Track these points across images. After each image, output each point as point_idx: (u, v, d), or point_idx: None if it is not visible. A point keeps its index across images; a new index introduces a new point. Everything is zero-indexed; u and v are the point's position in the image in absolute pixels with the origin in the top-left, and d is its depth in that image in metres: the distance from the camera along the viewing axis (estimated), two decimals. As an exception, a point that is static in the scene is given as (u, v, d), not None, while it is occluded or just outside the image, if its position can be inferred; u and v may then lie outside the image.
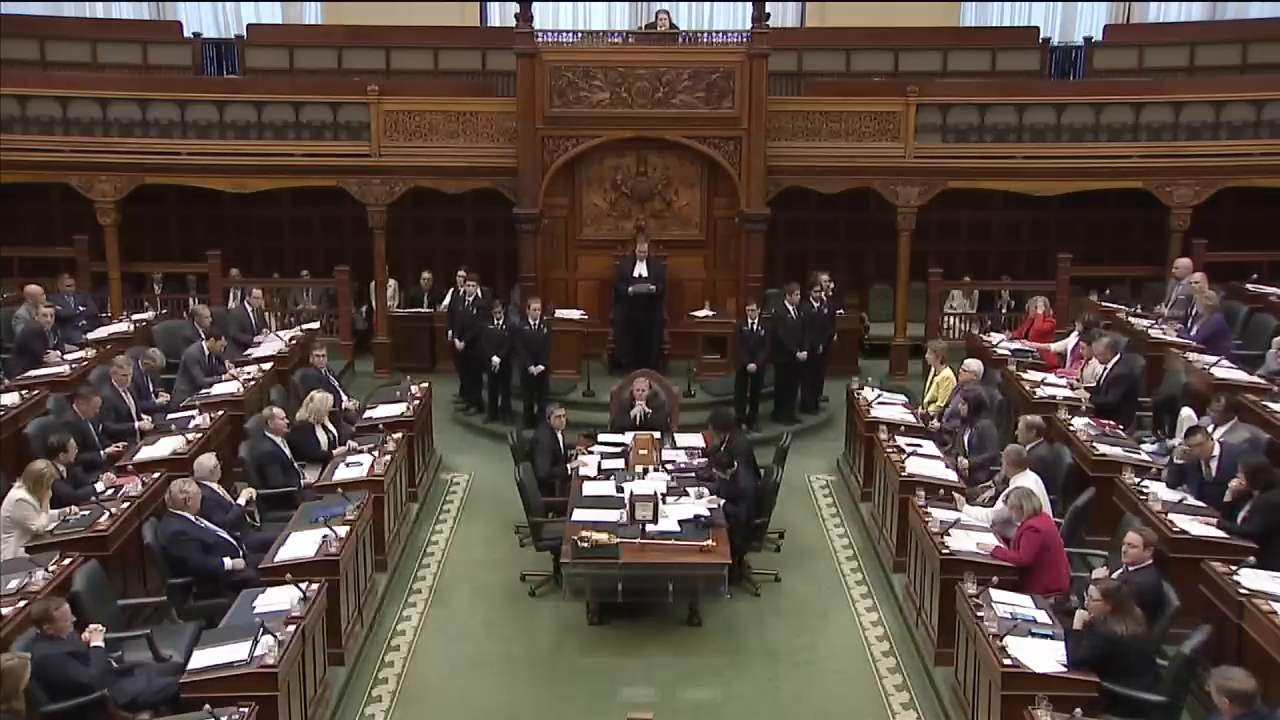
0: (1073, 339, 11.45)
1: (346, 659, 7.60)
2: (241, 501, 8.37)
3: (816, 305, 12.36)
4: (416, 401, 10.76)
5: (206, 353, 11.35)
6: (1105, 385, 10.29)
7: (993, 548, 7.51)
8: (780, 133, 13.28)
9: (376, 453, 9.36)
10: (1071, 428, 9.42)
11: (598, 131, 13.07)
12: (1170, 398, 10.03)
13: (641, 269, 12.64)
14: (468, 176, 13.64)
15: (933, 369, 11.09)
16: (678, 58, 13.08)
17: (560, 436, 9.85)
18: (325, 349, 11.52)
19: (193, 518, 7.60)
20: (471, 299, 12.61)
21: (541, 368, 11.93)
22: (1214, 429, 8.68)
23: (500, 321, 12.08)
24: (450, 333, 12.77)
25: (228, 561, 7.57)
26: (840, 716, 7.35)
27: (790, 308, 12.17)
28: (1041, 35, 16.44)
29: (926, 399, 10.96)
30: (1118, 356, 10.42)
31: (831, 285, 12.71)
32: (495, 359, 12.00)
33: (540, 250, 13.35)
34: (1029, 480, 7.97)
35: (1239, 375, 9.99)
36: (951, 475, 8.92)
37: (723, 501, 8.63)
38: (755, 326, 11.94)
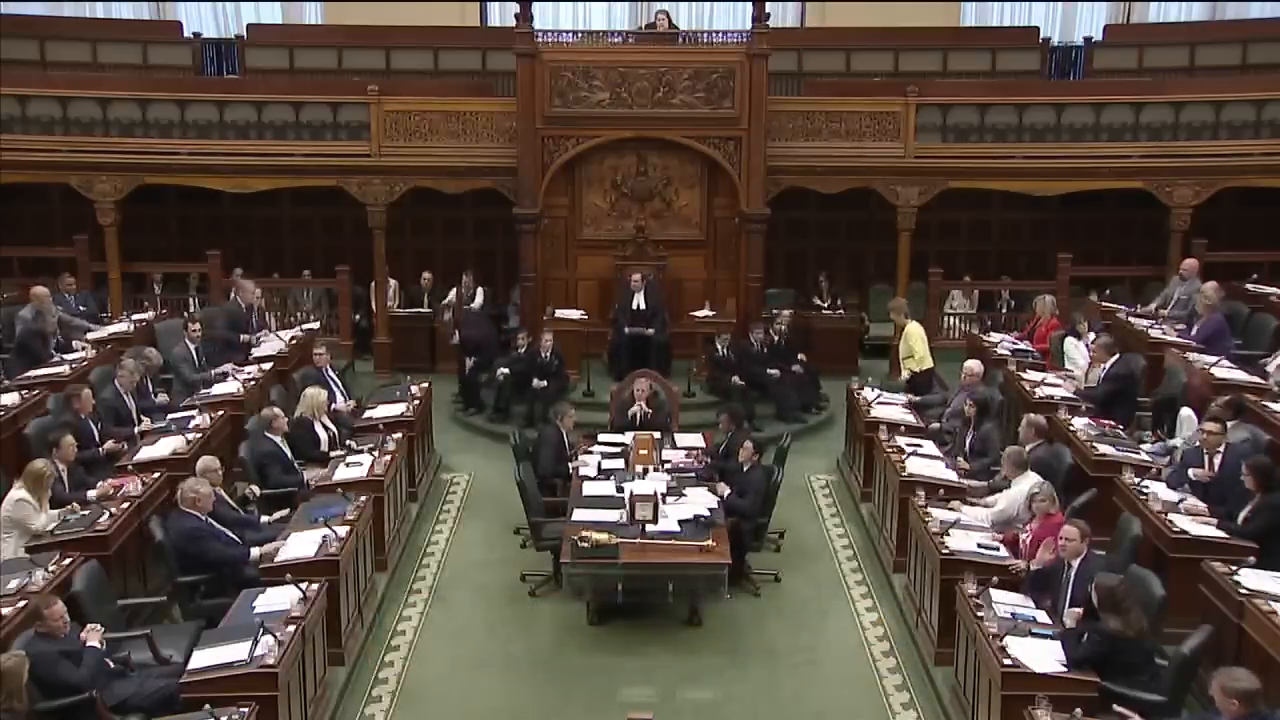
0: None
1: (346, 659, 7.59)
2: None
3: (776, 338, 12.65)
4: (416, 401, 10.76)
5: (191, 348, 11.31)
6: (1099, 383, 10.31)
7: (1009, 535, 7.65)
8: (780, 133, 13.28)
9: (376, 453, 9.36)
10: (1071, 428, 9.41)
11: (598, 131, 13.07)
12: (1170, 398, 10.02)
13: (640, 300, 12.68)
14: (468, 176, 13.62)
15: (899, 326, 11.62)
16: (678, 58, 13.07)
17: (567, 436, 9.88)
18: (326, 348, 11.50)
19: (203, 517, 7.60)
20: (470, 298, 12.62)
21: (545, 384, 11.99)
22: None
23: (520, 351, 12.24)
24: (455, 333, 12.79)
25: (254, 551, 7.56)
26: (840, 716, 7.35)
27: (755, 343, 12.46)
28: (1041, 35, 16.43)
29: (903, 355, 11.43)
30: (1116, 356, 10.43)
31: (826, 285, 12.74)
32: (502, 371, 12.15)
33: (540, 250, 13.34)
34: (1033, 481, 7.98)
35: (1239, 375, 9.99)
36: (951, 475, 8.93)
37: (728, 492, 8.67)
38: (726, 353, 12.33)
